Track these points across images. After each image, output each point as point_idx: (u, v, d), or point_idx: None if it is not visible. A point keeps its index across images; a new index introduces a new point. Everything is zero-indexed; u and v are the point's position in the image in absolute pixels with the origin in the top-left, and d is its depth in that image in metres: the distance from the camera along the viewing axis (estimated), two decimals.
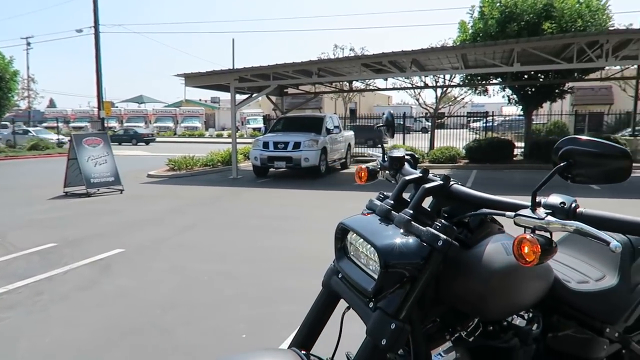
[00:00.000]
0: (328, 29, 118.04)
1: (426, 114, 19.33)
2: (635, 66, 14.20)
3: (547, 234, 1.01)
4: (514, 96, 15.50)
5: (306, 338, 1.41)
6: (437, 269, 1.15)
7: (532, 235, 1.00)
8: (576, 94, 22.40)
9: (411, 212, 1.21)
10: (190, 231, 6.03)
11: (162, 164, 13.68)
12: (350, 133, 14.97)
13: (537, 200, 1.06)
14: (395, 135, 1.92)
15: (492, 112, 18.28)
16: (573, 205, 1.03)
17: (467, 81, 16.07)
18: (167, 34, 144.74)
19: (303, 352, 1.32)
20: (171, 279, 4.15)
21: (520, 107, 15.83)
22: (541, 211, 1.04)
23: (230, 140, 13.84)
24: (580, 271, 1.74)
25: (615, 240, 0.90)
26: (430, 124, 22.39)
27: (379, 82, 18.33)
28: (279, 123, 13.29)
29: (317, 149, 11.53)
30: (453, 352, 1.37)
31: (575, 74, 14.12)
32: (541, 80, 14.44)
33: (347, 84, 17.42)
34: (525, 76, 14.50)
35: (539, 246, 0.97)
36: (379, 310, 1.17)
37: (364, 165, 1.65)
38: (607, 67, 13.56)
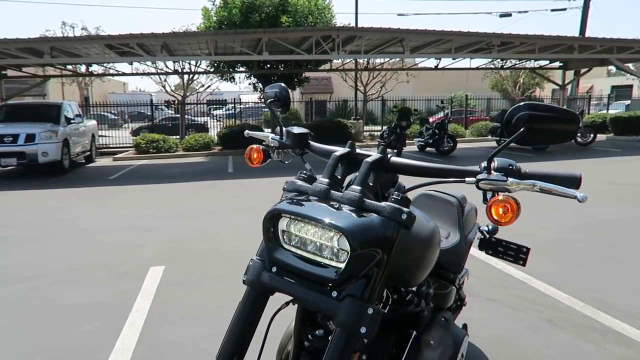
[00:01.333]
0: (54, 2, 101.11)
1: (173, 101, 18.71)
2: (355, 60, 16.69)
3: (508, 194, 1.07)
4: (260, 84, 16.35)
5: (237, 347, 1.19)
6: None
7: (503, 196, 1.05)
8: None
9: (359, 188, 1.14)
10: None
11: None
12: (93, 123, 13.41)
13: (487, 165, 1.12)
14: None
15: (234, 99, 18.91)
16: (518, 166, 1.12)
17: (214, 68, 16.18)
18: None
19: None
20: None
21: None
22: (497, 174, 1.10)
23: None
24: None
25: (578, 193, 1.02)
26: (172, 112, 21.85)
27: (122, 67, 16.86)
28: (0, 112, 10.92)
29: (57, 141, 9.92)
30: None
31: (309, 65, 15.73)
32: (281, 69, 15.61)
33: (85, 67, 15.44)
34: (268, 65, 15.45)
35: (516, 205, 1.03)
36: (350, 298, 1.06)
37: (256, 146, 1.48)
38: (334, 60, 15.51)
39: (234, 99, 19.16)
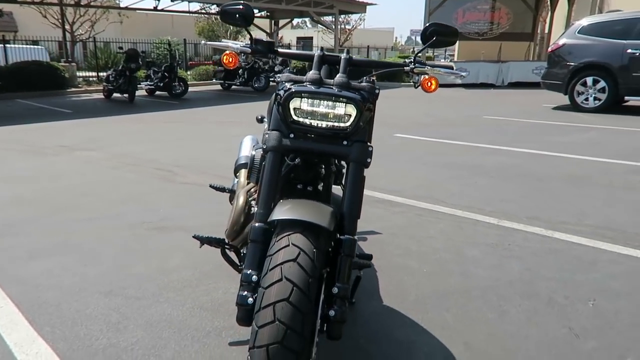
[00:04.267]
0: None
1: None
2: None
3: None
4: None
5: (272, 198, 1.62)
6: None
7: (429, 75, 1.76)
8: None
9: (345, 75, 1.67)
10: None
11: None
12: None
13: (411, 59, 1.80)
14: None
15: None
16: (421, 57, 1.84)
17: None
18: None
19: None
20: None
21: None
22: (420, 65, 1.80)
23: None
24: None
25: (464, 72, 1.81)
26: None
27: None
28: None
29: None
30: None
31: None
32: None
33: None
34: None
35: (437, 80, 1.76)
36: (359, 142, 1.63)
37: (229, 51, 1.80)
38: None
39: None
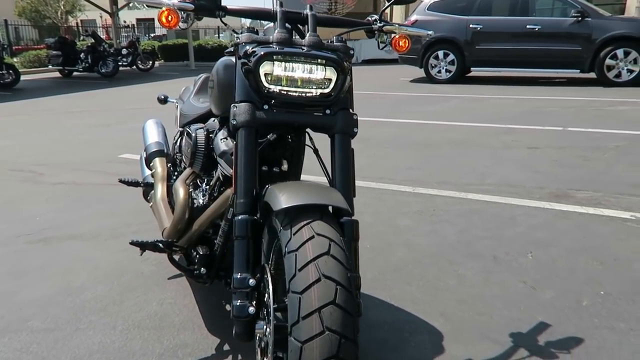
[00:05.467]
0: None
1: None
2: None
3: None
4: None
5: (253, 181, 1.35)
6: None
7: (399, 35, 1.60)
8: None
9: (316, 34, 1.45)
10: None
11: None
12: None
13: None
14: None
15: None
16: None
17: None
18: None
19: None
20: None
21: None
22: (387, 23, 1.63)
23: None
24: None
25: (429, 31, 1.68)
26: None
27: None
28: None
29: None
30: None
31: None
32: None
33: None
34: None
35: (409, 39, 1.61)
36: (343, 110, 1.42)
37: (166, 8, 1.44)
38: None
39: None
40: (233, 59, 1.55)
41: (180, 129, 2.17)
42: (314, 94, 1.38)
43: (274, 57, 1.33)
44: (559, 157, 4.14)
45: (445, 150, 4.50)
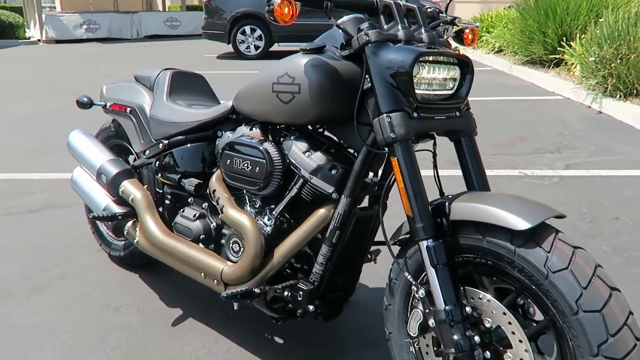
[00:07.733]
0: None
1: None
2: None
3: None
4: None
5: (424, 193, 1.22)
6: None
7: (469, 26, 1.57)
8: None
9: (429, 28, 1.33)
10: None
11: None
12: None
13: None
14: None
15: None
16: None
17: None
18: None
19: None
20: None
21: None
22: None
23: None
24: None
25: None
26: None
27: None
28: None
29: None
30: None
31: None
32: None
33: None
34: None
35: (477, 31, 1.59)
36: (468, 111, 1.37)
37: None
38: None
39: None
40: (321, 57, 1.34)
41: (165, 141, 1.74)
42: (448, 96, 1.30)
43: (426, 58, 1.21)
44: None
45: None
